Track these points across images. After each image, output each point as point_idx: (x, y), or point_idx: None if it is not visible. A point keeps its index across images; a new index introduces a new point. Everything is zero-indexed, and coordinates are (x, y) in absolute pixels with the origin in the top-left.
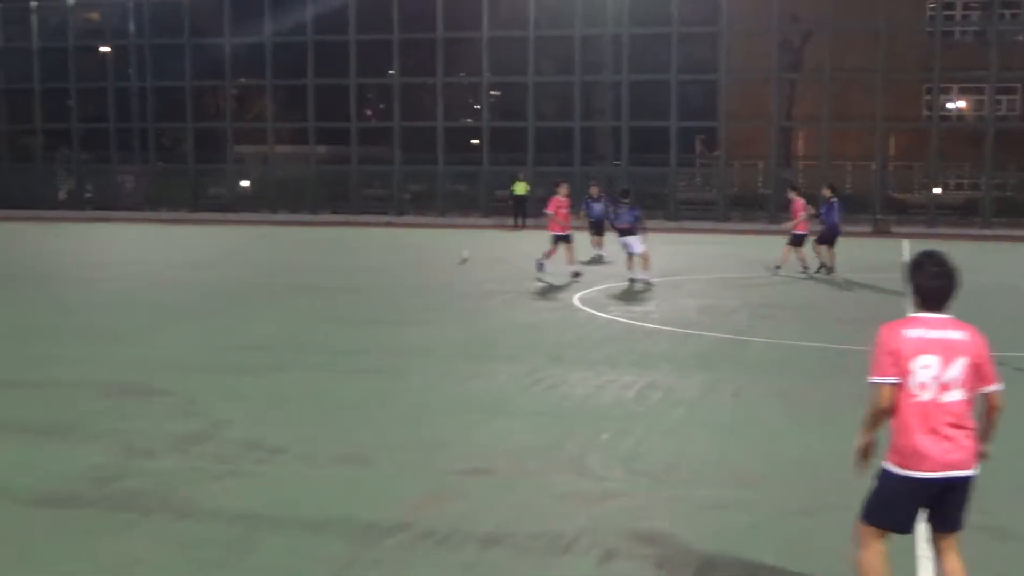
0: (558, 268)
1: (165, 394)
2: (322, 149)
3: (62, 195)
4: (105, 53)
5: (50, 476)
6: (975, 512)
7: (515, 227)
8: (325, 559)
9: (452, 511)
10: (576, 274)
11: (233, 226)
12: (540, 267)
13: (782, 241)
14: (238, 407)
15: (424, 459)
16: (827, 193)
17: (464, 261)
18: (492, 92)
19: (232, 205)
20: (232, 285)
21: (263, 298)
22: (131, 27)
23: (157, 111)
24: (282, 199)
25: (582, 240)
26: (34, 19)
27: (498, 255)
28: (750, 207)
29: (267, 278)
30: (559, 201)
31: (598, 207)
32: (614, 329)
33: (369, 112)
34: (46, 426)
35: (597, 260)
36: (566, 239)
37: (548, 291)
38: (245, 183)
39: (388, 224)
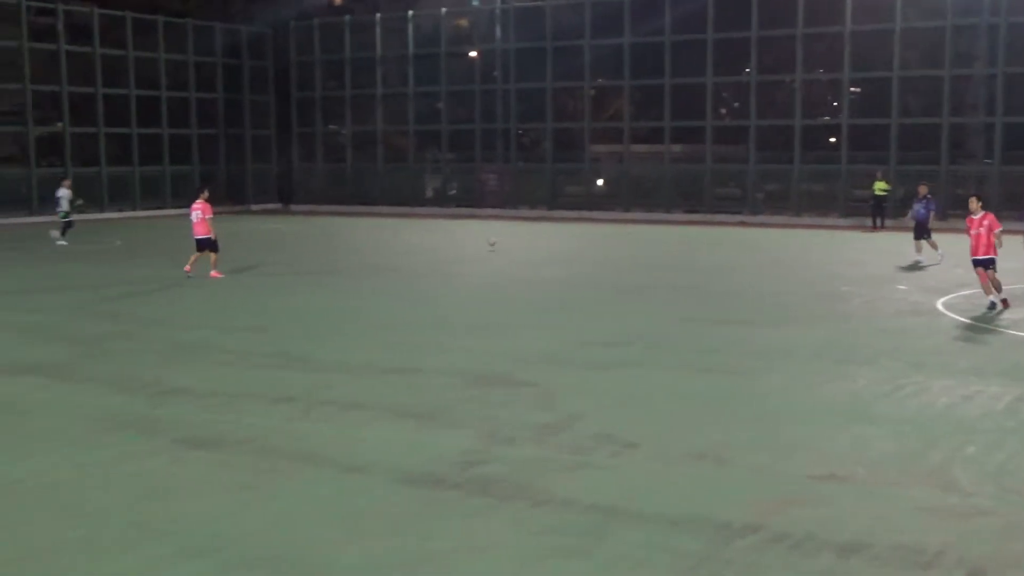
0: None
1: (526, 385)
2: (677, 148)
3: (429, 193)
4: (473, 58)
5: (419, 457)
6: None
7: (873, 228)
8: (677, 554)
9: (807, 516)
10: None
11: (588, 224)
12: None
13: None
14: (594, 401)
15: (778, 462)
16: None
17: (493, 246)
18: (852, 88)
19: (587, 204)
20: (588, 281)
21: (617, 295)
22: (497, 32)
23: (519, 112)
24: (636, 198)
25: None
26: (410, 27)
27: (855, 257)
28: None
29: (621, 276)
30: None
31: (921, 208)
32: (981, 337)
33: (724, 111)
34: (417, 411)
35: (917, 266)
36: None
37: (910, 295)
38: (600, 182)
39: (741, 224)
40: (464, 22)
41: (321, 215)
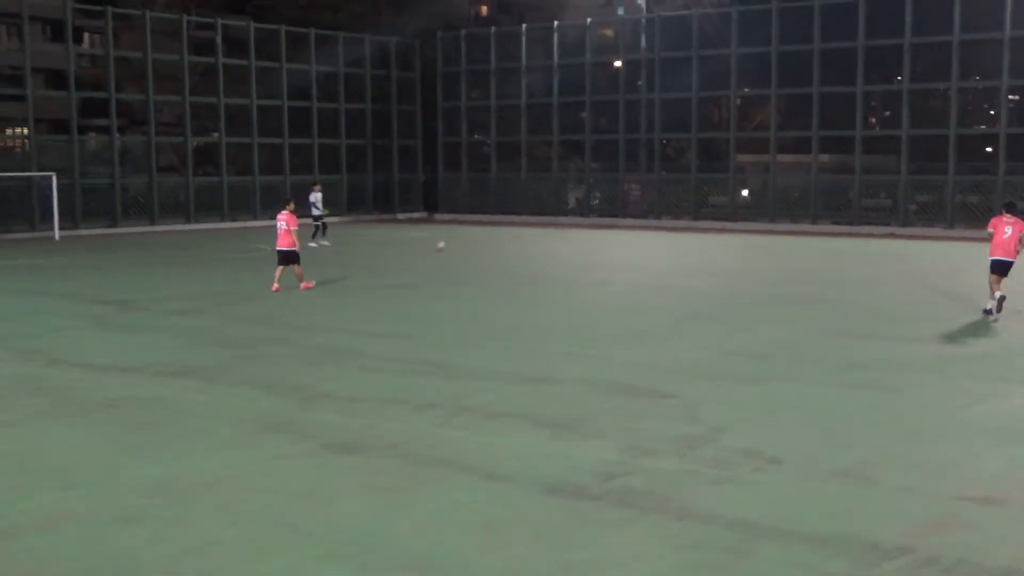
0: None
1: (669, 397)
2: (824, 158)
3: (571, 203)
4: (617, 67)
5: (560, 467)
6: None
7: None
8: (821, 574)
9: (959, 540)
10: None
11: (733, 235)
12: None
13: None
14: (737, 414)
15: (929, 482)
16: None
17: (440, 251)
18: (1010, 96)
19: (732, 214)
20: (732, 293)
21: (761, 307)
22: (642, 41)
23: (663, 122)
24: (781, 208)
25: None
26: (555, 37)
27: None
28: None
29: (765, 287)
30: None
31: None
32: None
33: (874, 120)
34: (558, 420)
35: None
36: None
37: None
38: (745, 192)
39: (890, 235)
40: (609, 32)
41: (465, 224)
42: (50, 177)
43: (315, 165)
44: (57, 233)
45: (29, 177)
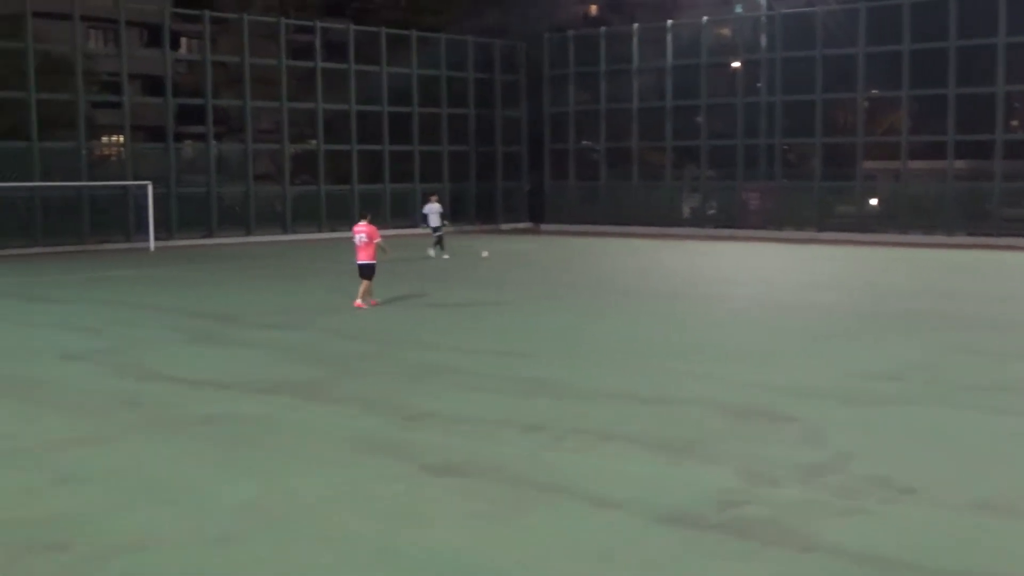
0: None
1: (789, 420)
2: (960, 164)
3: (686, 212)
4: (735, 68)
5: (675, 495)
6: None
7: None
8: None
9: None
10: None
11: (860, 247)
12: None
13: None
14: (865, 439)
15: None
16: None
17: (485, 259)
18: None
19: (860, 225)
20: (858, 309)
21: (892, 324)
22: (762, 41)
23: (784, 126)
24: (913, 218)
25: None
26: (668, 38)
27: None
28: None
29: (896, 303)
30: None
31: None
32: None
33: (1015, 123)
34: (673, 444)
35: None
36: None
37: None
38: (874, 201)
39: None
40: (726, 31)
41: (572, 235)
42: (145, 186)
43: (415, 173)
44: (152, 244)
45: (125, 186)
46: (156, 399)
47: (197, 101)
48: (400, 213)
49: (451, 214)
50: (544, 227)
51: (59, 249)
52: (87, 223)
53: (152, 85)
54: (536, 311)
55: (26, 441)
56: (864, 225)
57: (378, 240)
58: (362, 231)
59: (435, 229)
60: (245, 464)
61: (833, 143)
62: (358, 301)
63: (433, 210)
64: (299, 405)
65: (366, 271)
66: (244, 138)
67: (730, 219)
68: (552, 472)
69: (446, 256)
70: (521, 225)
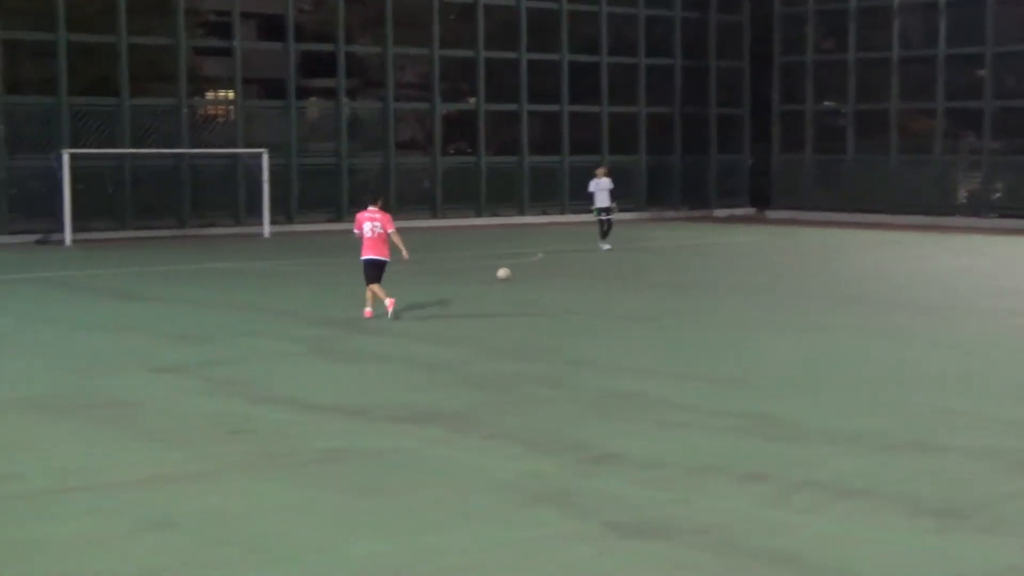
0: None
1: None
2: None
3: (963, 197)
4: None
5: (944, 572)
6: None
7: None
8: None
9: None
10: None
11: None
12: None
13: None
14: None
15: None
16: None
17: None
18: None
19: None
20: None
21: None
22: None
23: None
24: None
25: None
26: None
27: None
28: None
29: None
30: None
31: None
32: None
33: None
34: (940, 506)
35: None
36: None
37: None
38: None
39: None
40: None
41: (807, 224)
42: (260, 155)
43: (603, 141)
44: (267, 228)
45: (234, 155)
46: (267, 427)
47: (326, 47)
48: (580, 193)
49: (647, 196)
50: (771, 214)
51: (153, 234)
52: (187, 201)
53: (270, 26)
54: (755, 326)
55: (104, 477)
56: None
57: (391, 230)
58: (375, 218)
59: (602, 211)
60: (377, 514)
61: None
62: (367, 310)
63: (601, 186)
64: (448, 439)
65: (376, 270)
66: (384, 95)
67: (1022, 206)
68: (777, 537)
69: (607, 246)
70: (740, 211)
